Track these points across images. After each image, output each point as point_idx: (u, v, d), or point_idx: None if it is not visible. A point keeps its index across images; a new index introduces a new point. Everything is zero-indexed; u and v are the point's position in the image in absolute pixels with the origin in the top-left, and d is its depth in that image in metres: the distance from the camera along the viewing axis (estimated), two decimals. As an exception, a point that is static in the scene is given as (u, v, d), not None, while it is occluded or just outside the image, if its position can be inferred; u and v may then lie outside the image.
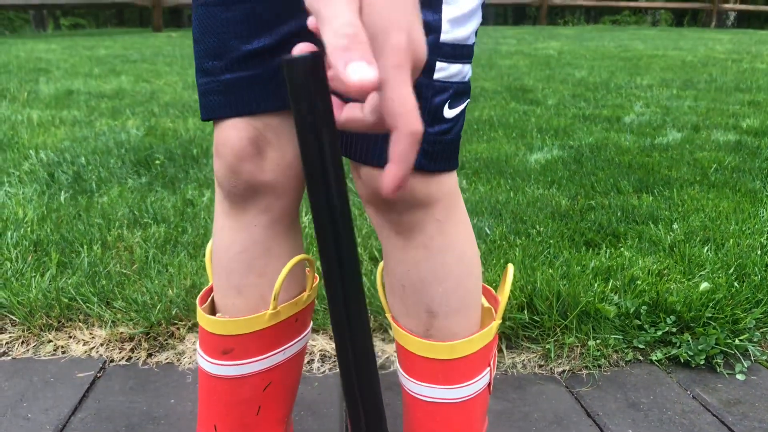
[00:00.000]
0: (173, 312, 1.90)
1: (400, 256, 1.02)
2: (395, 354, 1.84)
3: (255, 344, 1.07)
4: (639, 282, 2.07)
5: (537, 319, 1.93)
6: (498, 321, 1.10)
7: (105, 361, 1.77)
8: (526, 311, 1.94)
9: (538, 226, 2.56)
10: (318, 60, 0.57)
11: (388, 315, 1.11)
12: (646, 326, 1.96)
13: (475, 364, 1.06)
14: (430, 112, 0.89)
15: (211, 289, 1.12)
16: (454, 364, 1.04)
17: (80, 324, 1.87)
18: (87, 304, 1.90)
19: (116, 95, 5.46)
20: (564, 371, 1.82)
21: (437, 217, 0.99)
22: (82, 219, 2.50)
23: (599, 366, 1.85)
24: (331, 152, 0.58)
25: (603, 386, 1.77)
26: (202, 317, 1.08)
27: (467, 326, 1.06)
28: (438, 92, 0.89)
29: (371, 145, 0.92)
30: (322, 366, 1.79)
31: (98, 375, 1.72)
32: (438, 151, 0.92)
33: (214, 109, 0.97)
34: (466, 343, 1.04)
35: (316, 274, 1.15)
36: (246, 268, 1.05)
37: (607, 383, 1.78)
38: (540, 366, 1.85)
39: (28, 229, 2.36)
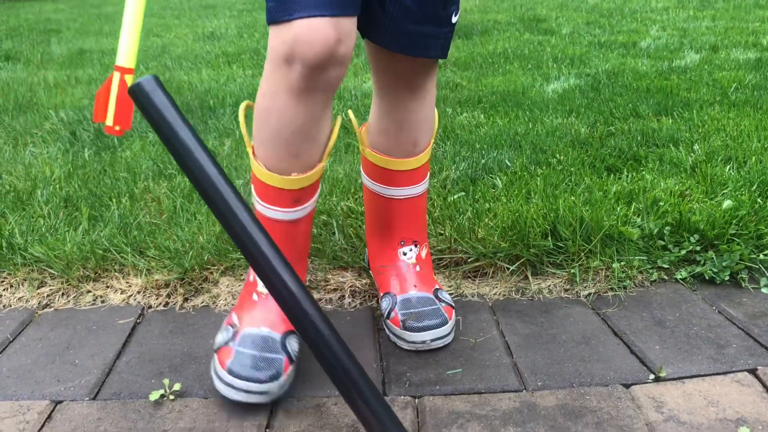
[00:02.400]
0: (205, 257, 1.95)
1: (405, 104, 1.54)
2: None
3: (311, 192, 1.45)
4: (662, 203, 2.08)
5: (561, 245, 1.95)
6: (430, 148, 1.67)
7: (143, 308, 1.83)
8: (550, 238, 1.96)
9: (558, 155, 2.57)
10: (157, 80, 0.85)
11: (366, 149, 1.65)
12: (670, 246, 1.98)
13: (427, 168, 1.67)
14: (448, 20, 1.44)
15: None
16: (421, 169, 1.65)
17: (116, 274, 1.93)
18: (121, 255, 1.96)
19: (128, 51, 5.45)
20: (590, 294, 1.86)
21: (431, 80, 1.57)
22: (108, 174, 2.55)
23: (624, 287, 1.88)
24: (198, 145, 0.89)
25: (629, 306, 1.80)
26: (277, 179, 1.38)
27: (426, 146, 1.64)
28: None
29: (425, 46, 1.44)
30: (353, 301, 1.84)
31: (138, 321, 1.78)
32: (447, 45, 1.49)
33: (319, 6, 1.20)
34: (426, 153, 1.64)
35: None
36: (304, 138, 1.34)
37: (632, 303, 1.82)
38: (566, 290, 1.88)
39: (57, 186, 2.41)
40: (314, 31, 1.20)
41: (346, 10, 1.24)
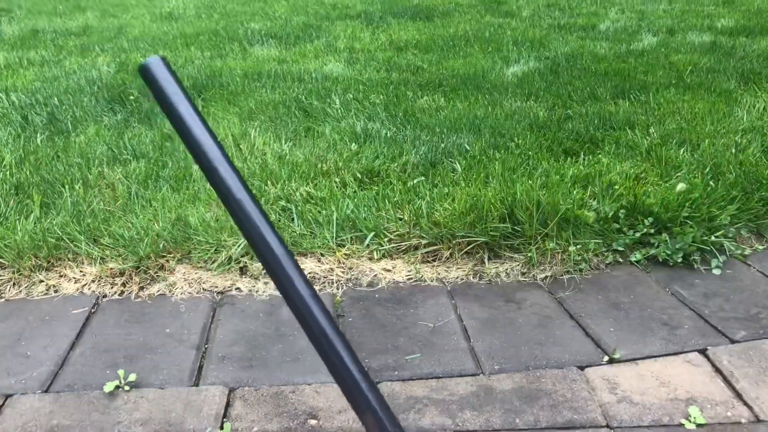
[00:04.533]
0: (161, 245, 1.92)
1: None
2: (383, 272, 1.89)
3: None
4: (617, 187, 2.11)
5: (518, 228, 1.97)
6: None
7: (98, 297, 1.80)
8: (507, 221, 1.98)
9: (516, 139, 2.58)
10: (165, 60, 0.82)
11: None
12: (624, 229, 2.01)
13: None
14: None
15: None
16: None
17: (70, 262, 1.90)
18: (74, 243, 1.92)
19: (83, 32, 5.31)
20: (546, 277, 1.88)
21: None
22: (61, 159, 2.49)
23: (580, 270, 1.90)
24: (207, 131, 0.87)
25: (584, 289, 1.83)
26: None
27: None
28: None
29: None
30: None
31: (92, 311, 1.75)
32: None
33: None
34: None
35: None
36: None
37: (588, 286, 1.84)
38: (523, 274, 1.90)
39: (7, 172, 2.34)
40: None
41: None
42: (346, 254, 1.94)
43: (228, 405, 1.40)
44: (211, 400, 1.41)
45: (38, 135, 2.79)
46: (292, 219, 2.06)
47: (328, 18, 5.71)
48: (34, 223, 2.00)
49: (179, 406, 1.39)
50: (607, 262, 1.94)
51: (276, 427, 1.35)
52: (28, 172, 2.34)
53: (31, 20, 5.94)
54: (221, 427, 1.34)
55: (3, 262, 1.88)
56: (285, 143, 2.63)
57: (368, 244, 1.96)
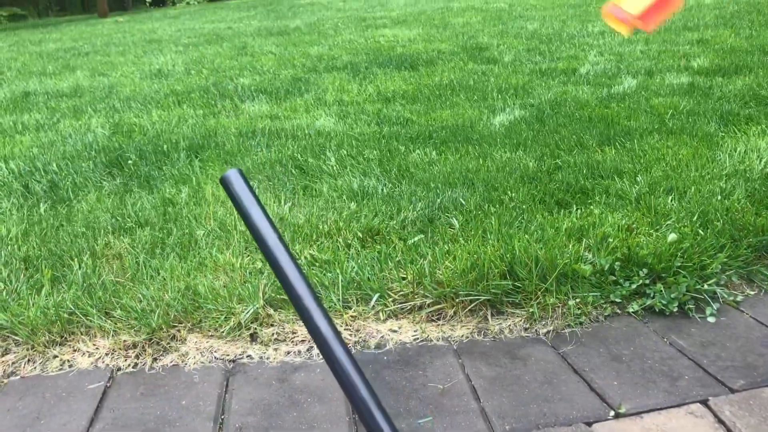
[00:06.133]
0: (172, 315, 1.96)
1: None
2: (390, 333, 1.94)
3: None
4: (611, 240, 2.18)
5: (519, 285, 2.03)
6: None
7: (113, 371, 1.84)
8: (508, 278, 2.04)
9: (509, 192, 2.66)
10: (242, 172, 0.93)
11: None
12: (620, 281, 2.08)
13: None
14: None
15: None
16: None
17: (83, 336, 1.94)
18: (87, 317, 1.96)
19: (75, 93, 5.40)
20: (548, 332, 1.94)
21: None
22: (66, 229, 2.54)
23: (581, 323, 1.97)
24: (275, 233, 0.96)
25: (586, 342, 1.89)
26: None
27: None
28: None
29: None
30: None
31: (108, 385, 1.79)
32: None
33: None
34: None
35: None
36: None
37: (589, 339, 1.90)
38: (525, 329, 1.96)
39: (15, 246, 2.39)
40: None
41: None
42: (352, 316, 1.99)
43: (250, 478, 1.44)
44: (234, 474, 1.44)
45: (41, 204, 2.84)
46: (298, 282, 2.11)
47: (315, 70, 5.84)
48: (46, 298, 2.04)
49: (203, 481, 1.43)
50: (606, 314, 2.01)
51: (299, 499, 1.38)
52: (34, 245, 2.38)
53: (21, 81, 6.03)
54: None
55: (17, 339, 1.91)
56: (285, 203, 2.69)
57: (373, 305, 2.02)
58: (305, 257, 2.22)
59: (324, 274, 2.12)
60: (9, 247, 2.38)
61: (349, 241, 2.33)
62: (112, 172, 3.29)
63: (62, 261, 2.27)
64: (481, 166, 3.01)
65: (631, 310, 2.02)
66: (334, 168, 3.11)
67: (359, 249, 2.28)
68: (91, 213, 2.70)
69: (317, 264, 2.20)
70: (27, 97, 5.34)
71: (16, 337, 1.92)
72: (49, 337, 1.92)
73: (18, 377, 1.83)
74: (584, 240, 2.22)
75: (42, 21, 14.94)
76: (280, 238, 0.98)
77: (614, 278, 2.08)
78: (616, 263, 2.09)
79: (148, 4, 17.60)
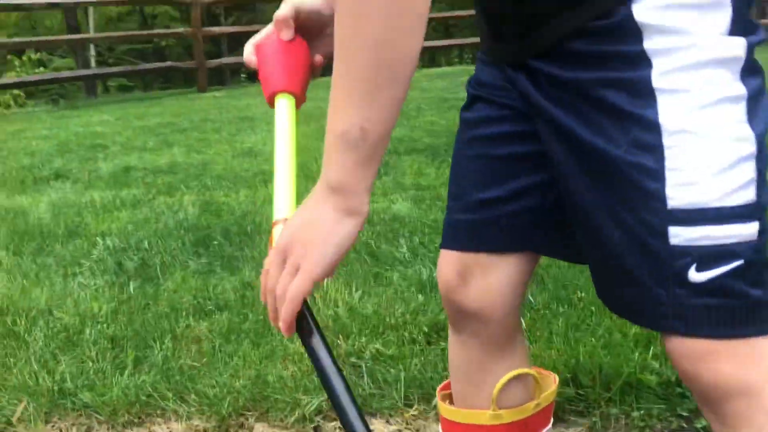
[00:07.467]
0: (241, 403, 2.06)
1: None
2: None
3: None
4: (679, 349, 2.15)
5: (582, 392, 2.03)
6: None
7: (183, 455, 1.94)
8: (571, 385, 2.04)
9: (579, 292, 2.66)
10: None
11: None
12: (688, 393, 2.04)
13: None
14: (671, 277, 0.90)
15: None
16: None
17: (158, 419, 2.05)
18: (163, 400, 2.08)
19: (170, 169, 5.74)
20: (611, 444, 1.92)
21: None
22: (151, 309, 2.70)
23: (645, 437, 1.94)
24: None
25: (649, 458, 1.86)
26: (440, 405, 1.30)
27: None
28: (676, 257, 0.88)
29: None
30: (381, 450, 1.92)
31: (178, 469, 1.88)
32: (700, 316, 0.91)
33: (444, 239, 1.20)
34: None
35: (544, 385, 1.30)
36: (465, 379, 1.24)
37: (652, 454, 1.87)
38: (587, 440, 1.95)
39: (104, 324, 2.56)
40: (441, 268, 1.19)
41: (470, 245, 1.14)
42: (413, 415, 2.03)
43: None
44: None
45: (131, 282, 3.04)
46: (362, 376, 2.18)
47: (396, 152, 6.01)
48: (128, 378, 2.18)
49: None
50: (672, 427, 1.97)
51: None
52: (122, 324, 2.56)
53: (124, 156, 6.46)
54: None
55: (99, 417, 2.05)
56: (355, 292, 2.79)
57: (435, 405, 2.05)
58: (370, 351, 2.29)
59: (388, 371, 2.18)
60: (99, 326, 2.56)
61: (414, 336, 2.38)
62: (198, 251, 3.48)
63: (145, 342, 2.43)
64: (552, 262, 3.02)
65: (698, 425, 1.97)
66: (406, 256, 3.20)
67: (424, 345, 2.33)
68: (176, 293, 2.87)
69: (381, 359, 2.26)
70: (128, 172, 5.72)
71: (99, 416, 2.05)
72: (128, 418, 2.04)
73: (97, 455, 1.95)
74: (651, 348, 2.19)
75: (146, 94, 15.97)
76: (341, 373, 1.01)
77: (681, 390, 2.04)
78: (684, 375, 2.06)
79: (243, 78, 18.52)
